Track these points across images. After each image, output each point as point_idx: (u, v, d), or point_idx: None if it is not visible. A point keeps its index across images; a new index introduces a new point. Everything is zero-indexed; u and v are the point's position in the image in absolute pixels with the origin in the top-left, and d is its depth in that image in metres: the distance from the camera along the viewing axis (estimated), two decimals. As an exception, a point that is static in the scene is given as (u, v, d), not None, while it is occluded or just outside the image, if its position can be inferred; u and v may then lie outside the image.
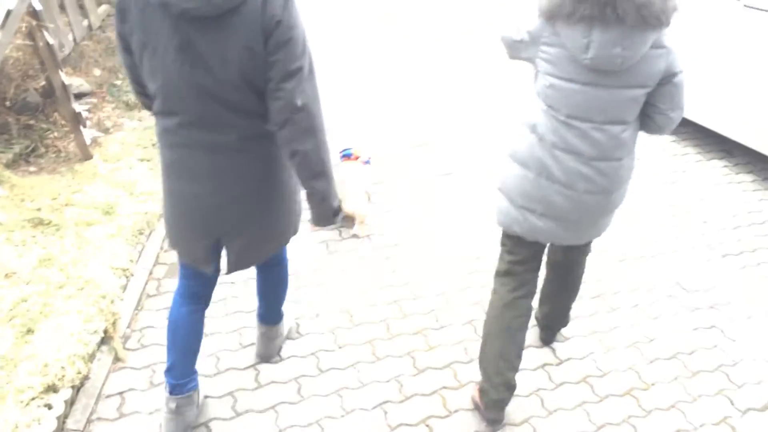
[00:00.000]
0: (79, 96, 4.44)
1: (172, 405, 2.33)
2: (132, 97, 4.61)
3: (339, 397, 2.63)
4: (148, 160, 3.98)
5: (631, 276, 3.58)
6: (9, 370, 2.36)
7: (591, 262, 2.81)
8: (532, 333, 3.04)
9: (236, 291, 3.18)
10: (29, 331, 2.56)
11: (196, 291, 2.32)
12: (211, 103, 1.83)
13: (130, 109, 4.56)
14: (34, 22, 3.38)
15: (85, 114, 4.33)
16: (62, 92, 3.64)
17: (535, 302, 2.64)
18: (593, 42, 1.96)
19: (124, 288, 3.00)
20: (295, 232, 2.30)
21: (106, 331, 2.69)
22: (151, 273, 3.24)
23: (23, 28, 3.39)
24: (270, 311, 2.69)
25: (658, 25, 1.93)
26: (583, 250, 2.60)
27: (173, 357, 2.32)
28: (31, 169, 3.77)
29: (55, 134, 4.01)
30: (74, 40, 4.71)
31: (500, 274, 2.49)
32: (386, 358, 2.86)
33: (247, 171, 2.00)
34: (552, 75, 2.11)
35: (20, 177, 3.62)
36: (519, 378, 2.60)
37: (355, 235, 3.69)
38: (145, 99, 2.00)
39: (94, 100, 4.57)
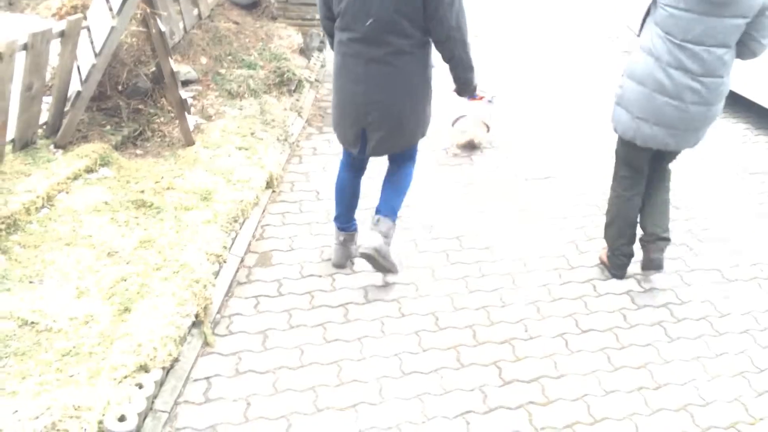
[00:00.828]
0: (185, 83, 4.59)
1: (341, 238, 3.28)
2: (234, 86, 4.73)
3: (420, 402, 2.57)
4: (246, 149, 4.05)
5: (741, 298, 3.31)
6: (105, 347, 2.45)
7: (697, 281, 2.66)
8: (626, 354, 2.87)
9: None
10: (126, 309, 2.64)
11: (353, 163, 3.16)
12: (372, 24, 2.62)
13: (233, 98, 4.67)
14: (148, 10, 3.50)
15: (190, 101, 4.47)
16: (170, 79, 3.76)
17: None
18: None
19: (217, 274, 3.06)
20: (423, 135, 3.01)
21: (197, 316, 2.75)
22: (242, 261, 3.29)
23: (138, 15, 3.52)
24: (386, 203, 3.11)
25: None
26: (674, 156, 3.20)
27: (339, 209, 3.23)
28: (138, 151, 3.92)
29: (162, 119, 4.15)
30: (184, 28, 4.86)
31: (617, 177, 3.26)
32: (471, 365, 2.77)
33: (389, 81, 2.75)
34: (674, 7, 2.72)
35: (127, 159, 3.77)
36: (613, 402, 2.49)
37: (470, 145, 4.63)
38: (328, 22, 2.84)
39: (199, 87, 4.71)
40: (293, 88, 5.01)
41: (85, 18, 3.66)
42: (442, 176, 4.32)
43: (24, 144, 3.46)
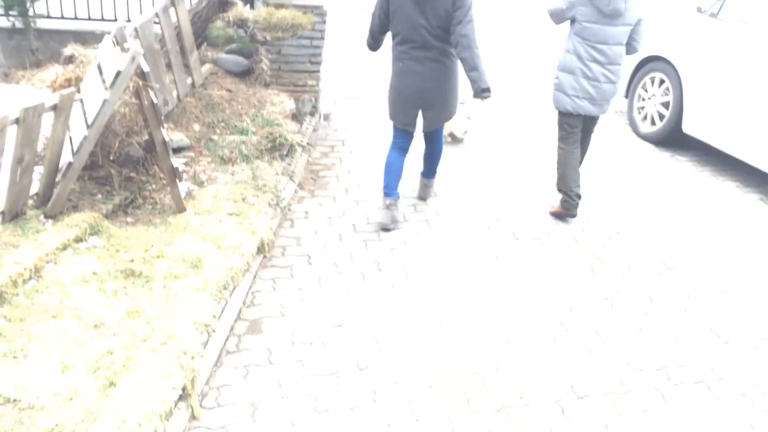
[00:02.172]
0: (178, 150, 4.63)
1: (387, 203, 4.37)
2: (227, 152, 4.77)
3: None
4: (237, 214, 4.06)
5: (738, 360, 3.27)
6: (89, 424, 2.39)
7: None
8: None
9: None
10: (112, 384, 2.59)
11: (402, 145, 4.43)
12: (425, 35, 3.96)
13: (225, 164, 4.71)
14: (141, 82, 3.56)
15: (182, 167, 4.50)
16: (162, 148, 3.80)
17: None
18: (614, 7, 4.15)
19: (205, 344, 3.01)
20: (454, 112, 4.44)
21: (184, 388, 2.70)
22: (232, 329, 3.25)
23: (131, 87, 3.58)
24: (429, 169, 4.73)
25: None
26: (596, 121, 4.70)
27: (387, 180, 4.39)
28: (129, 219, 3.93)
29: (153, 186, 4.17)
30: (178, 96, 4.94)
31: (562, 138, 4.63)
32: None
33: (437, 74, 4.11)
34: (587, 21, 4.27)
35: (117, 227, 3.77)
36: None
37: (452, 135, 5.87)
38: (375, 42, 4.33)
39: (192, 154, 4.75)
40: (285, 153, 5.06)
41: (78, 90, 3.73)
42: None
43: (14, 215, 3.46)
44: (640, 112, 6.49)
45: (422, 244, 4.27)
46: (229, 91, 5.37)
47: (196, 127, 5.01)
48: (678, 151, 6.19)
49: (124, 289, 3.20)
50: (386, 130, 5.30)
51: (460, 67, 4.14)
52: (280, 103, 5.50)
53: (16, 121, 3.14)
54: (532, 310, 3.62)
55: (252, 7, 5.89)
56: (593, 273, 4.06)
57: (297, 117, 5.70)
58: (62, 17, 5.62)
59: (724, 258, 4.39)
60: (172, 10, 4.88)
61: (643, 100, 6.44)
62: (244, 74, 5.77)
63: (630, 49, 4.42)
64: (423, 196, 4.82)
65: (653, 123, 6.33)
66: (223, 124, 5.08)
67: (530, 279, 3.95)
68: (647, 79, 6.37)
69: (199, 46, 5.61)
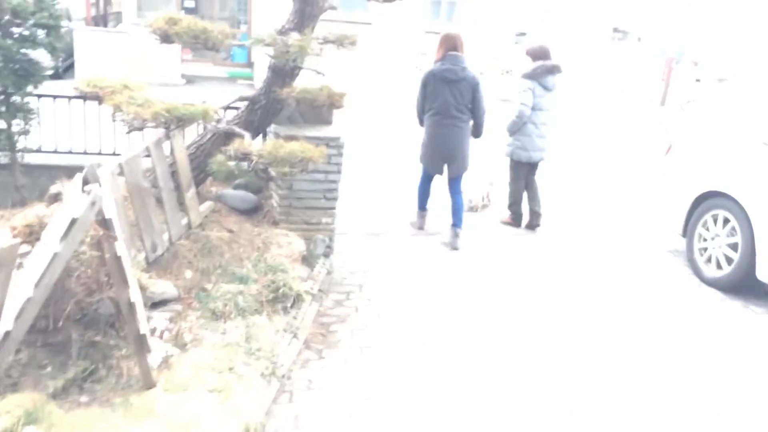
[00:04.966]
0: (160, 304, 3.94)
1: (421, 214, 6.32)
2: (220, 305, 4.05)
3: None
4: (220, 391, 3.27)
5: None
6: None
7: None
8: None
9: None
10: None
11: (429, 179, 6.17)
12: (454, 109, 5.75)
13: (216, 319, 3.98)
14: (102, 232, 2.92)
15: (165, 324, 3.79)
16: (128, 310, 3.09)
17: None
18: (553, 84, 6.34)
19: None
20: (469, 165, 6.06)
21: None
22: None
23: (91, 238, 2.95)
24: (456, 219, 6.02)
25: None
26: (538, 167, 6.56)
27: (421, 201, 6.29)
28: (83, 398, 3.15)
29: (123, 352, 3.42)
30: (170, 239, 4.33)
31: (515, 178, 6.53)
32: None
33: (461, 135, 5.86)
34: (535, 95, 6.25)
35: (65, 411, 2.99)
36: None
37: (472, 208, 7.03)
38: (422, 118, 6.01)
39: (179, 307, 4.04)
40: (290, 305, 4.33)
41: (37, 239, 3.11)
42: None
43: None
44: (702, 254, 5.66)
45: None
46: (231, 231, 4.75)
47: (188, 274, 4.33)
48: (752, 300, 5.29)
49: None
50: (411, 270, 5.50)
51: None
52: (288, 244, 4.84)
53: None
54: None
55: (264, 138, 5.42)
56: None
57: (308, 260, 5.02)
58: (55, 152, 5.18)
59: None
60: (167, 144, 4.38)
61: (705, 240, 5.63)
62: (252, 211, 5.18)
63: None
64: (454, 246, 5.98)
65: (719, 267, 5.48)
66: (219, 270, 4.40)
67: None
68: (708, 217, 5.60)
69: (202, 182, 5.09)
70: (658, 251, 6.31)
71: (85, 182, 3.18)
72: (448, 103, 5.69)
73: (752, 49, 17.92)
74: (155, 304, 3.98)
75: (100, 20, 16.95)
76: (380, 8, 18.54)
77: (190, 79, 15.46)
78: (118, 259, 3.00)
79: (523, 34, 18.50)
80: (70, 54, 15.13)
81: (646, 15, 20.13)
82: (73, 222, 2.80)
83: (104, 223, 2.92)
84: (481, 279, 5.39)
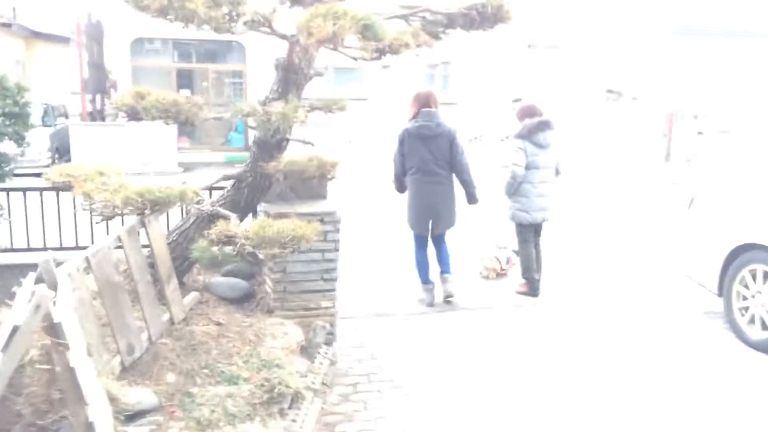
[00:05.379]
0: (137, 415, 3.40)
1: (428, 287, 5.96)
2: (206, 412, 3.51)
3: None
4: None
5: None
6: None
7: None
8: None
9: None
10: None
11: (422, 244, 5.97)
12: (433, 165, 5.72)
13: (202, 429, 3.43)
14: (51, 341, 2.44)
15: (142, 439, 3.25)
16: (87, 432, 2.57)
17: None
18: (546, 140, 6.10)
19: None
20: (455, 221, 6.03)
21: None
22: None
23: (38, 347, 2.48)
24: (444, 266, 5.98)
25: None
26: (542, 228, 6.39)
27: (423, 275, 5.99)
28: None
29: (88, 481, 2.87)
30: (149, 338, 3.84)
31: (522, 241, 6.24)
32: None
33: (442, 192, 5.82)
34: (529, 155, 6.03)
35: None
36: None
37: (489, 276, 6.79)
38: (401, 184, 6.00)
39: (159, 417, 3.50)
40: (287, 406, 3.78)
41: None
42: None
43: None
44: (743, 314, 5.11)
45: None
46: (219, 324, 4.25)
47: (170, 377, 3.80)
48: (807, 363, 4.71)
49: None
50: (424, 355, 4.97)
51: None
52: (283, 335, 4.32)
53: None
54: None
55: (254, 217, 5.00)
56: None
57: (307, 350, 4.49)
58: (28, 249, 4.77)
59: None
60: (143, 231, 3.96)
61: (745, 299, 5.10)
62: (243, 300, 4.70)
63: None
64: (448, 292, 5.95)
65: (765, 327, 4.93)
66: (206, 371, 3.87)
67: None
68: (746, 273, 5.08)
69: (188, 271, 4.64)
70: (693, 313, 5.75)
71: (39, 281, 2.74)
72: (426, 159, 5.67)
73: (751, 99, 17.81)
74: (131, 417, 3.45)
75: (98, 115, 16.99)
76: (375, 82, 18.70)
77: (187, 167, 15.33)
78: (71, 371, 2.50)
79: (519, 99, 18.50)
80: (67, 150, 15.07)
81: (639, 75, 20.16)
82: (15, 330, 2.33)
83: (52, 330, 2.45)
84: (505, 360, 4.83)
